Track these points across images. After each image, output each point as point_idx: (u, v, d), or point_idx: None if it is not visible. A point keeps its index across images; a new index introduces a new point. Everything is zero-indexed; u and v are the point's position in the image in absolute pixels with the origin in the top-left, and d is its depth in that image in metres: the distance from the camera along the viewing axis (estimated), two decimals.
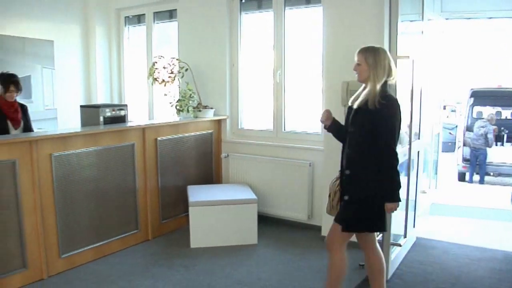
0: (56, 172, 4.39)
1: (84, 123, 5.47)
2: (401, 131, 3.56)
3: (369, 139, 3.33)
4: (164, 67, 5.97)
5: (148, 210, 5.33)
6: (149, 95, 7.11)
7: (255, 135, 6.02)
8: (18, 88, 5.09)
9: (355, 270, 4.47)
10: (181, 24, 6.45)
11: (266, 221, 5.70)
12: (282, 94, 5.77)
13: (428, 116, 5.27)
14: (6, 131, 5.03)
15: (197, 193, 5.32)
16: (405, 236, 4.56)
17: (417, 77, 4.46)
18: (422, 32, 4.83)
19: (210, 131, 6.03)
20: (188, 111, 5.85)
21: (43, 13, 6.68)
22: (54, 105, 6.83)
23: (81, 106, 5.73)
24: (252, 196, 5.27)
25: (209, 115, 5.96)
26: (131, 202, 5.14)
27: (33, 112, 5.58)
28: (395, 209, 3.40)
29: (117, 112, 5.47)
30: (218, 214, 5.11)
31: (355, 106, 3.41)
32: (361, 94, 3.39)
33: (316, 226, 5.47)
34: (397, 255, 4.51)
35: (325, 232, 5.21)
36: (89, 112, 5.45)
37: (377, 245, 3.62)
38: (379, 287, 3.62)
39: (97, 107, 5.42)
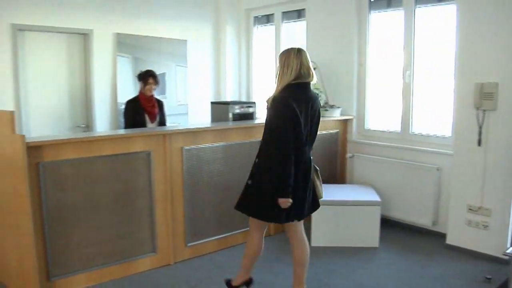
0: (186, 165, 4.61)
1: (213, 119, 5.68)
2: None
3: (268, 133, 3.52)
4: None
5: None
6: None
7: (381, 136, 5.90)
8: (156, 81, 5.41)
9: (480, 283, 4.25)
10: (309, 23, 6.48)
11: (388, 225, 5.57)
12: (410, 95, 5.60)
13: None
14: (143, 124, 5.37)
15: None
16: None
17: None
18: None
19: (336, 131, 6.00)
20: None
21: (178, 14, 7.03)
22: (186, 101, 7.16)
23: (212, 103, 5.96)
24: (376, 198, 5.18)
25: (336, 114, 5.93)
26: None
27: (167, 107, 5.90)
28: (287, 205, 3.46)
29: (246, 109, 5.60)
30: (340, 214, 5.08)
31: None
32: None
33: (440, 233, 5.25)
34: None
35: (450, 240, 5.02)
36: (219, 108, 5.63)
37: (262, 233, 3.87)
38: (244, 265, 3.95)
39: (226, 103, 5.59)
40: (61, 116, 6.07)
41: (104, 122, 6.33)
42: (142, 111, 5.40)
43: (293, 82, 3.46)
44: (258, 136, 5.10)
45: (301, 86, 3.50)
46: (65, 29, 5.95)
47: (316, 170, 3.83)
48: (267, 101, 3.53)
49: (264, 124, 3.58)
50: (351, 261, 4.74)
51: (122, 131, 5.04)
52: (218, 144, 4.85)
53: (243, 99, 7.64)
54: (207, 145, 4.77)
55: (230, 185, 4.97)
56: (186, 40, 7.14)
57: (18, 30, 5.59)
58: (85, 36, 6.16)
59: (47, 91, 5.93)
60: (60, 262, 4.03)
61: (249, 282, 4.00)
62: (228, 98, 7.54)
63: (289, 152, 3.40)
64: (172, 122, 5.92)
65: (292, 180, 3.44)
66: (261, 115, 6.78)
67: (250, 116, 5.63)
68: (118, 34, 6.37)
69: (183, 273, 4.47)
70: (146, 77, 5.42)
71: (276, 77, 3.57)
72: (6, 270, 4.24)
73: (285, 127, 3.39)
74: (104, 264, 4.26)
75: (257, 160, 3.67)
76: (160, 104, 5.61)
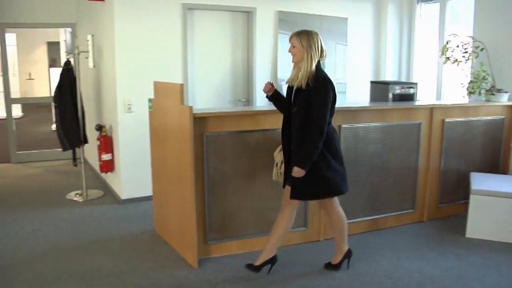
0: (343, 143, 4.57)
1: (372, 99, 5.62)
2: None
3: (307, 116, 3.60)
4: (457, 46, 5.74)
5: (426, 191, 5.26)
6: (438, 74, 6.94)
7: None
8: None
9: None
10: (479, 0, 6.07)
11: None
12: None
13: None
14: None
15: (480, 181, 5.03)
16: None
17: None
18: None
19: (501, 117, 5.58)
20: (479, 93, 5.54)
21: None
22: (345, 80, 7.13)
23: (371, 82, 5.89)
24: None
25: (503, 99, 5.52)
26: (410, 181, 5.13)
27: None
28: (300, 175, 3.61)
29: (406, 90, 5.48)
30: (501, 206, 4.75)
31: (295, 87, 3.68)
32: (298, 74, 3.65)
33: None
34: None
35: None
36: (379, 88, 5.57)
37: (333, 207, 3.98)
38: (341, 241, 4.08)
39: (387, 83, 5.50)
40: (224, 90, 6.37)
41: (263, 97, 6.46)
42: None
43: (319, 60, 3.71)
44: (419, 118, 5.00)
45: (320, 65, 3.74)
46: (230, 7, 6.19)
47: None
48: (292, 80, 3.72)
49: (298, 110, 3.65)
50: (509, 258, 4.43)
51: None
52: (376, 124, 4.79)
53: (403, 80, 7.43)
54: (365, 124, 4.74)
55: (386, 167, 4.92)
56: (346, 18, 7.08)
57: (188, 9, 5.93)
58: (248, 14, 6.36)
59: (212, 66, 6.25)
60: (217, 227, 4.30)
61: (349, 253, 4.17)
62: (387, 78, 7.38)
63: (324, 132, 3.59)
64: None
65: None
66: (421, 97, 6.57)
67: (410, 97, 5.49)
68: (280, 11, 6.48)
69: (331, 250, 4.48)
70: None
71: (303, 56, 3.66)
72: (169, 229, 4.61)
73: (328, 106, 3.61)
74: (255, 234, 4.45)
75: (293, 147, 3.74)
76: None
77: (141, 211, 5.55)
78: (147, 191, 5.30)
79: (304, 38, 3.67)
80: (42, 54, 16.12)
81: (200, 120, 4.04)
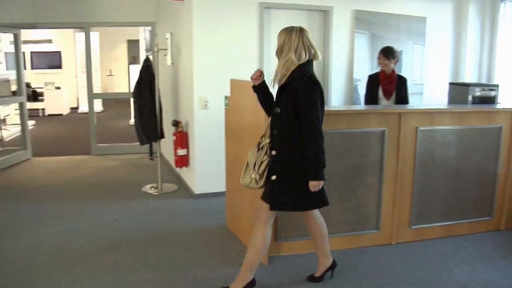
0: (419, 145, 4.52)
1: (451, 100, 5.47)
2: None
3: (294, 118, 3.32)
4: None
5: (505, 199, 5.03)
6: None
7: None
8: (385, 56, 5.31)
9: None
10: None
11: None
12: None
13: None
14: (375, 100, 5.36)
15: None
16: None
17: None
18: None
19: None
20: None
21: None
22: (422, 80, 6.98)
23: (450, 83, 5.73)
24: None
25: None
26: (488, 188, 4.93)
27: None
28: (319, 188, 3.35)
29: (487, 92, 5.29)
30: None
31: (274, 85, 3.46)
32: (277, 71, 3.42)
33: None
34: None
35: None
36: (458, 90, 5.41)
37: (316, 214, 3.71)
38: (323, 249, 3.83)
39: (467, 85, 5.34)
40: None
41: (339, 97, 6.48)
42: (377, 86, 5.39)
43: (309, 59, 3.40)
44: (500, 122, 4.82)
45: (310, 65, 3.42)
46: (307, 6, 6.20)
47: None
48: (277, 79, 3.43)
49: (281, 111, 3.39)
50: None
51: (357, 107, 5.12)
52: (455, 127, 4.65)
53: (483, 81, 7.18)
54: (443, 127, 4.61)
55: (463, 171, 4.77)
56: (425, 17, 6.92)
57: (265, 8, 5.99)
58: (325, 13, 6.33)
59: None
60: (288, 226, 4.29)
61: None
62: (467, 79, 7.15)
63: (321, 131, 3.33)
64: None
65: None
66: (503, 100, 6.33)
67: (491, 100, 5.29)
68: (357, 10, 6.42)
69: (403, 255, 4.42)
70: (379, 53, 5.41)
71: (281, 54, 3.41)
72: (241, 225, 4.70)
73: (319, 110, 3.33)
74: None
75: (274, 152, 3.45)
76: (402, 81, 5.47)
77: (214, 206, 5.66)
78: (220, 186, 5.38)
79: (282, 35, 3.42)
80: (122, 51, 16.74)
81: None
